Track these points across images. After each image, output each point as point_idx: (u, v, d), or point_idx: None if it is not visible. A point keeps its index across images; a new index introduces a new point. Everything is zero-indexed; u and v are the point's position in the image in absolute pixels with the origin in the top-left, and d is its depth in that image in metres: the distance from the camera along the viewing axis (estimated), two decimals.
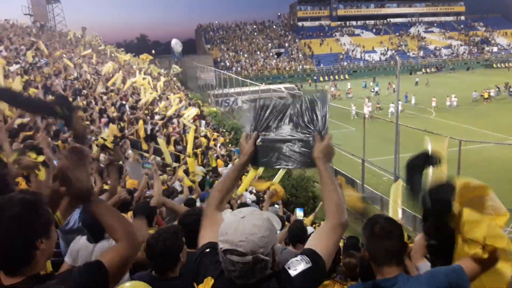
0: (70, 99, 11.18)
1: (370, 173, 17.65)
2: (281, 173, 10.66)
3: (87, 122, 10.98)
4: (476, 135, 25.04)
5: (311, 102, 2.07)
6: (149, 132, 13.17)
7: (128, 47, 72.04)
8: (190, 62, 54.54)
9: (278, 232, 4.20)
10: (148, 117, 15.06)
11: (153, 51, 71.42)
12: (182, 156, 12.08)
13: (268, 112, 2.13)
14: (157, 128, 13.71)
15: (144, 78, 22.26)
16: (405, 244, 2.05)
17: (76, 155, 1.70)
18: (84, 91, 14.96)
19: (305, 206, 13.82)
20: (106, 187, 4.67)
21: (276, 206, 9.87)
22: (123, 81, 19.67)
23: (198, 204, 8.17)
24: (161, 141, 11.25)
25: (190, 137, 12.79)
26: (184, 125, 15.08)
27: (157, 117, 15.03)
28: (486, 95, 37.66)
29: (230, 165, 11.97)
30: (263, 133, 2.10)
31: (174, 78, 40.72)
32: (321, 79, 65.35)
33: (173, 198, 5.98)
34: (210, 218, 2.02)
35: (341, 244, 6.86)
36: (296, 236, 4.00)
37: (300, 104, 2.09)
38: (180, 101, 21.13)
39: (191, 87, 48.25)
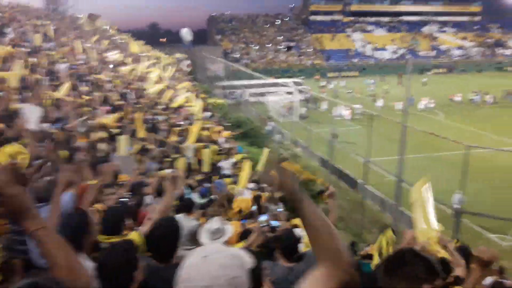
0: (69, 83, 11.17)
1: (371, 173, 17.46)
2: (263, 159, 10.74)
3: (89, 109, 10.93)
4: (481, 138, 24.73)
5: None
6: (151, 122, 13.12)
7: (139, 35, 71.83)
8: (199, 52, 54.30)
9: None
10: (158, 107, 14.98)
11: (164, 40, 71.17)
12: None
13: None
14: (160, 118, 13.65)
15: (152, 66, 22.17)
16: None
17: (13, 172, 1.49)
18: (89, 77, 14.90)
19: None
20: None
21: (279, 209, 9.73)
22: (132, 70, 19.61)
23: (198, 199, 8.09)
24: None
25: (194, 128, 12.70)
26: (187, 116, 14.98)
27: (160, 107, 14.94)
28: (485, 99, 37.70)
29: (231, 159, 11.87)
30: None
31: (183, 68, 40.60)
32: (330, 74, 64.77)
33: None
34: None
35: None
36: (288, 248, 3.59)
37: None
38: (187, 91, 21.03)
39: (199, 78, 48.09)
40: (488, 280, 6.67)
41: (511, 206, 15.24)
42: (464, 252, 6.29)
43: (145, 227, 3.27)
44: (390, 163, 16.52)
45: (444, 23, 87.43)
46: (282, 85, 32.42)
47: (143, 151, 10.00)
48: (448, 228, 12.76)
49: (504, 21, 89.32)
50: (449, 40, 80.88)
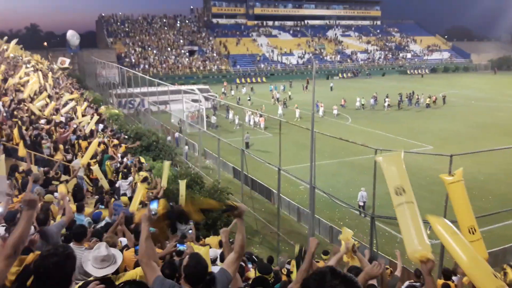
0: None
1: (287, 181, 17.95)
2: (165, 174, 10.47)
3: None
4: (389, 141, 26.91)
5: None
6: (32, 138, 12.03)
7: (14, 38, 66.54)
8: (89, 56, 51.73)
9: None
10: (40, 120, 13.80)
11: (46, 43, 66.79)
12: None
13: None
14: (43, 134, 12.57)
15: (28, 74, 20.51)
16: None
17: None
18: None
19: (218, 220, 13.57)
20: None
21: (190, 230, 9.46)
22: (4, 78, 17.91)
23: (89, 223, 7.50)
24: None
25: (85, 143, 11.91)
26: (75, 130, 14.04)
27: (42, 121, 13.81)
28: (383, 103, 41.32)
29: (130, 178, 11.31)
30: None
31: (66, 75, 38.35)
32: (238, 81, 66.05)
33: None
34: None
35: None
36: (194, 275, 3.25)
37: None
38: (74, 102, 19.77)
39: (89, 85, 45.82)
40: (406, 284, 7.10)
41: (420, 207, 16.71)
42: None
43: None
44: (303, 171, 17.11)
45: (347, 27, 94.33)
46: (187, 92, 32.06)
47: (21, 172, 9.09)
48: (364, 233, 13.55)
49: (402, 25, 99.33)
50: (354, 44, 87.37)
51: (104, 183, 10.54)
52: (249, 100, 45.21)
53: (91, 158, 11.50)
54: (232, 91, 54.85)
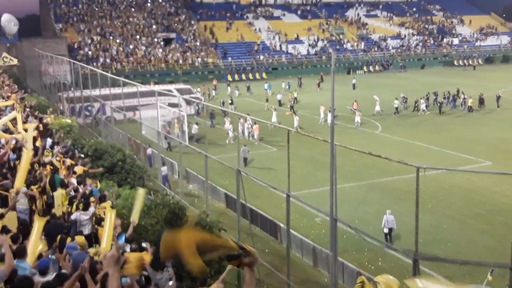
0: None
1: (298, 212, 17.86)
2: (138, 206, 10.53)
3: None
4: (434, 155, 26.90)
5: None
6: None
7: None
8: (31, 48, 51.91)
9: None
10: None
11: None
12: None
13: None
14: None
15: None
16: None
17: None
18: None
19: (208, 266, 13.48)
20: None
21: (170, 281, 9.37)
22: None
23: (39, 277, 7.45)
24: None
25: (23, 165, 11.82)
26: (16, 149, 14.00)
27: None
28: (419, 106, 41.64)
29: (91, 209, 11.26)
30: None
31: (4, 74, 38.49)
32: (230, 78, 66.06)
33: None
34: None
35: None
36: None
37: None
38: (12, 109, 19.82)
39: (32, 87, 45.87)
40: None
41: (477, 243, 16.59)
42: None
43: None
44: (320, 197, 17.04)
45: (373, 5, 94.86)
46: (162, 94, 32.09)
47: None
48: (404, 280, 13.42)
49: (445, 2, 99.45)
50: (382, 27, 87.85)
51: (58, 210, 10.50)
52: (231, 103, 45.08)
53: (33, 184, 11.44)
54: (214, 91, 55.06)
